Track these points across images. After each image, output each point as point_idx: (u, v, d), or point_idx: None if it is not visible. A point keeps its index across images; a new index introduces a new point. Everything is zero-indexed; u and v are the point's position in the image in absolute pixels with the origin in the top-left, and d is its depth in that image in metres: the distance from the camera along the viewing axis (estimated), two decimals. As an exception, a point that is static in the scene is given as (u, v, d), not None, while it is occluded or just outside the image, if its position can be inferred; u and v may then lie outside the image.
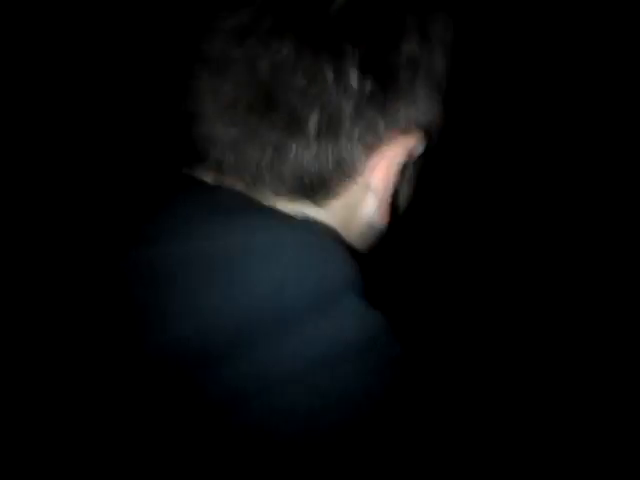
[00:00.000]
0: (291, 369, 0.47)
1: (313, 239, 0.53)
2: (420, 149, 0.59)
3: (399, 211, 0.63)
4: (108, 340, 0.50)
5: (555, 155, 2.31)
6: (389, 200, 0.59)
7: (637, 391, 1.95)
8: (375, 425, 0.47)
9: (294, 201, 0.57)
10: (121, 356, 0.49)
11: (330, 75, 0.52)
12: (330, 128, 0.53)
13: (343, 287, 0.51)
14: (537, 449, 1.95)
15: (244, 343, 0.48)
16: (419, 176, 0.63)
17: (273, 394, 0.47)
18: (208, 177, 0.58)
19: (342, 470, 0.46)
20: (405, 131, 0.57)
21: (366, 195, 0.58)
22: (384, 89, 0.54)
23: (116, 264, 0.51)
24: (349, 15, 0.52)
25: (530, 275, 2.30)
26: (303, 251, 0.51)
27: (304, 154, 0.54)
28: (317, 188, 0.56)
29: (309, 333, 0.48)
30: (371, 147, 0.56)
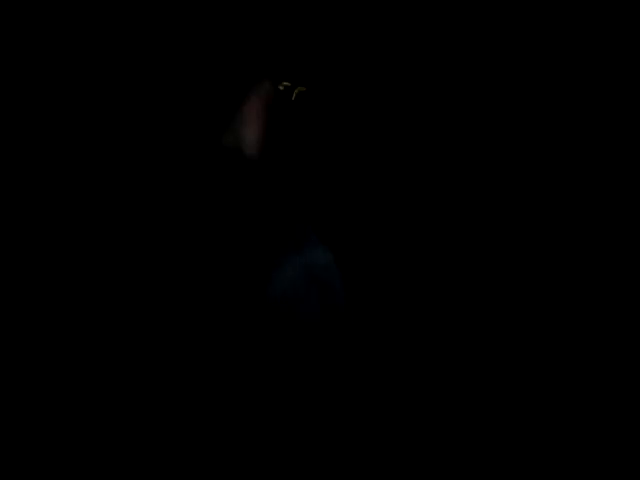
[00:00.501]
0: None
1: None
2: (273, 94, 0.95)
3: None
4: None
5: (554, 154, 2.31)
6: (264, 132, 0.95)
7: (637, 391, 1.96)
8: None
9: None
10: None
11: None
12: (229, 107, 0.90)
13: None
14: (533, 446, 1.95)
15: None
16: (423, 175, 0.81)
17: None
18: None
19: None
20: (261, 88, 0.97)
21: (249, 133, 0.94)
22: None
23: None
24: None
25: (529, 272, 2.31)
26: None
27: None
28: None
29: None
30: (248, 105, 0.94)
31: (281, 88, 1.04)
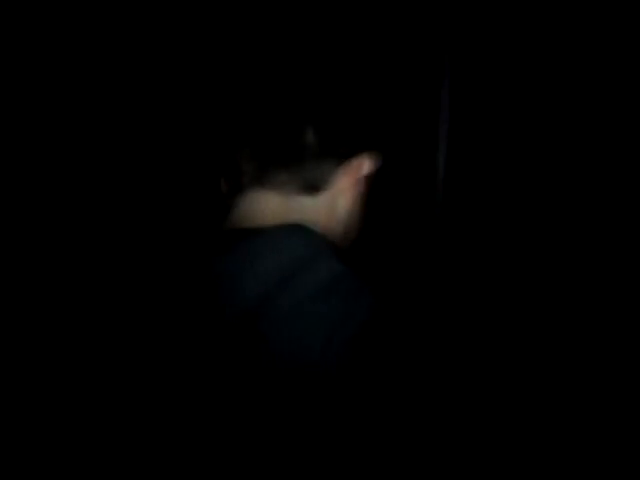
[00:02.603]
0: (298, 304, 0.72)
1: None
2: (373, 166, 0.84)
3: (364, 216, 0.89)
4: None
5: (556, 155, 2.31)
6: (359, 206, 0.86)
7: (637, 391, 1.96)
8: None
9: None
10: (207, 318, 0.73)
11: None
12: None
13: (320, 253, 0.77)
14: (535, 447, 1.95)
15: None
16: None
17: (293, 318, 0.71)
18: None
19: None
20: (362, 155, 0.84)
21: (339, 201, 0.84)
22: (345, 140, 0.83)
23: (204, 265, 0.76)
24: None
25: (530, 275, 2.31)
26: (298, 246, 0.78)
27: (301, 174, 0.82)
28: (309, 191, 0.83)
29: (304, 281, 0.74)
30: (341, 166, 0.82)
31: None
